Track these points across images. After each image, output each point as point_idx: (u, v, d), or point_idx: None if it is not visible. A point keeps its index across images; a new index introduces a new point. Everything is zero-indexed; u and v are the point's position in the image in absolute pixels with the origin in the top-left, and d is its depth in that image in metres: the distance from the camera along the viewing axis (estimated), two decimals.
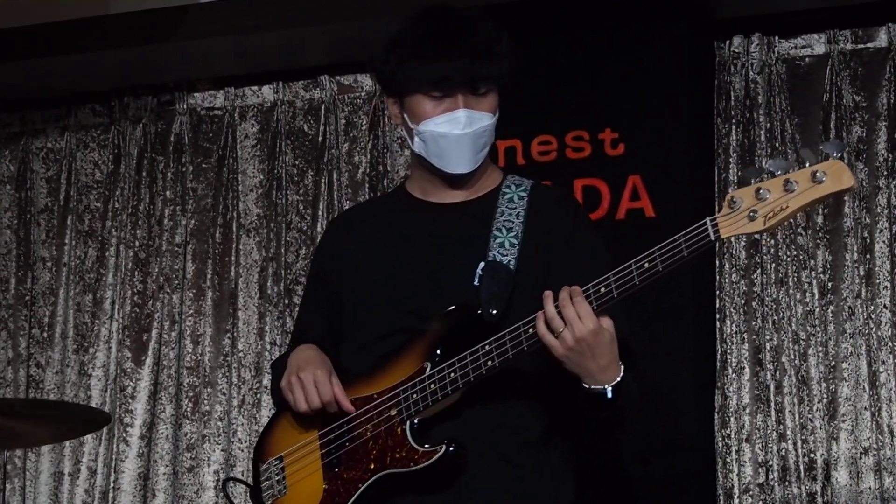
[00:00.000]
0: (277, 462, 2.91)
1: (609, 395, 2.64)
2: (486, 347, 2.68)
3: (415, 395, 2.74)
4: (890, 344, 4.34)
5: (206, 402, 5.07)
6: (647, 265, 2.56)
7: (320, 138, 5.12)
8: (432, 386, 2.72)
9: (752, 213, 2.47)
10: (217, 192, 5.22)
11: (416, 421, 2.74)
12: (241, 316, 5.10)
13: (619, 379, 2.65)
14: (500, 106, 2.92)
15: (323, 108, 5.12)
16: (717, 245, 4.50)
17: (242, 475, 4.96)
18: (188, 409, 5.08)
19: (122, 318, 5.23)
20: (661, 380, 4.24)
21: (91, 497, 5.16)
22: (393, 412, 2.75)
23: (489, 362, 2.68)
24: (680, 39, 4.51)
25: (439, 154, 2.85)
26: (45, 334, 5.35)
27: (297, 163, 5.15)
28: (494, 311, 2.74)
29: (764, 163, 2.49)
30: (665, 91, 4.45)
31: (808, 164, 2.44)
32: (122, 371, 5.18)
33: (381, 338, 2.85)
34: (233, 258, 5.15)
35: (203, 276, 5.18)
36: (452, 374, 2.71)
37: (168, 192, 5.27)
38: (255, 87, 5.24)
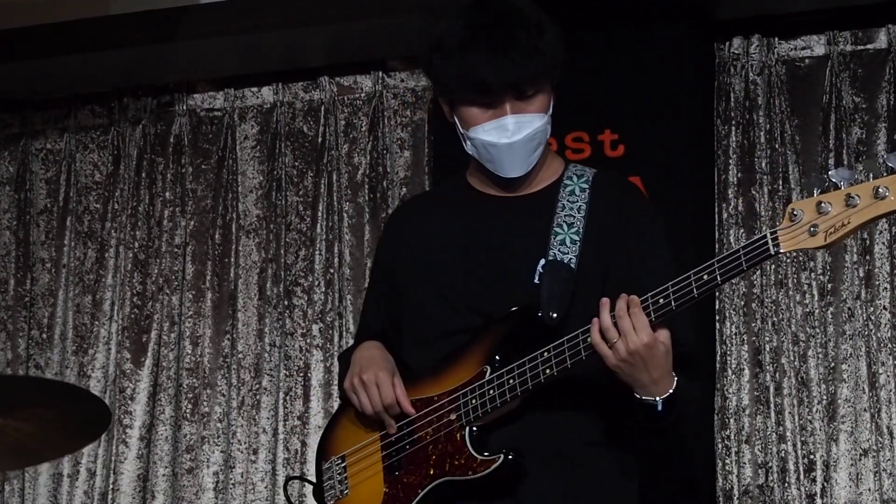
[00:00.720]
0: (340, 461, 2.91)
1: (660, 408, 2.63)
2: (545, 354, 2.66)
3: (474, 401, 2.71)
4: (889, 345, 4.33)
5: (205, 403, 5.07)
6: (706, 277, 2.53)
7: (320, 139, 5.11)
8: (491, 392, 2.70)
9: (812, 228, 2.41)
10: (216, 193, 5.21)
11: (475, 427, 2.72)
12: (241, 317, 5.09)
13: (670, 392, 2.63)
14: None
15: (322, 109, 5.11)
16: (717, 247, 4.50)
17: (242, 477, 4.96)
18: (187, 411, 5.07)
19: (122, 320, 5.22)
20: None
21: (90, 499, 5.15)
22: (452, 416, 2.74)
23: (547, 370, 2.65)
24: (680, 40, 4.50)
25: (491, 160, 2.82)
26: (44, 336, 5.34)
27: (296, 164, 5.14)
28: (555, 315, 2.71)
29: (829, 172, 2.44)
30: (665, 92, 4.44)
31: (871, 177, 2.39)
32: (121, 372, 5.17)
33: (441, 336, 2.83)
34: (232, 259, 5.14)
35: (202, 278, 5.17)
36: (511, 381, 2.68)
37: (167, 194, 5.26)
38: (254, 89, 5.24)
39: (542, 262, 2.76)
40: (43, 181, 5.46)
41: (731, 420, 4.41)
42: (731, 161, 4.57)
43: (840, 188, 2.40)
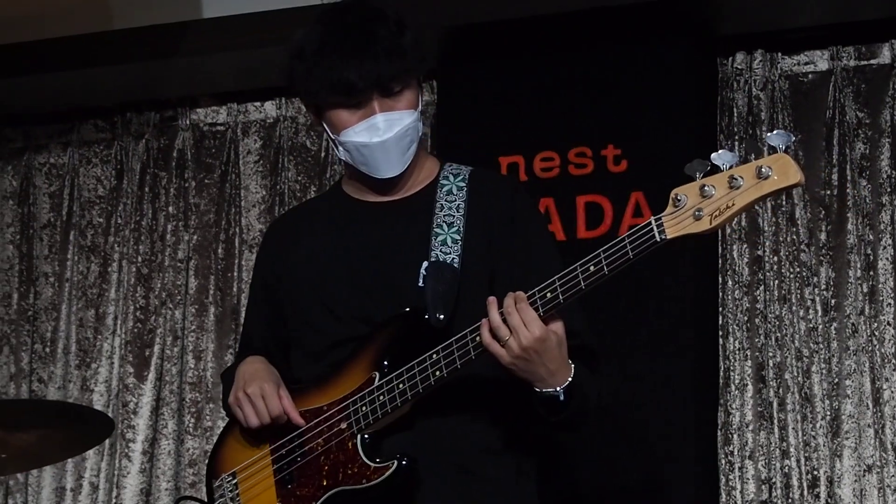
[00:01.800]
0: (231, 478, 2.88)
1: (562, 397, 2.60)
2: (434, 357, 2.63)
3: (364, 408, 2.68)
4: (894, 361, 4.32)
5: (208, 417, 5.07)
6: (592, 268, 2.49)
7: (322, 154, 5.12)
8: (381, 398, 2.66)
9: (697, 212, 2.36)
10: (219, 207, 5.21)
11: (366, 435, 2.69)
12: None
13: (570, 380, 2.60)
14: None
15: None
16: (720, 262, 4.50)
17: None
18: (190, 425, 5.07)
19: (125, 334, 5.22)
20: (663, 396, 4.24)
21: None
22: (343, 425, 2.70)
23: (437, 373, 2.62)
24: (683, 56, 4.51)
25: (365, 162, 2.79)
26: (47, 350, 5.34)
27: (299, 178, 5.14)
28: (441, 316, 2.69)
29: (711, 156, 2.39)
30: (668, 107, 4.45)
31: (752, 158, 2.36)
32: (124, 386, 5.17)
33: (330, 346, 2.79)
34: (235, 274, 5.15)
35: (205, 292, 5.18)
36: (401, 385, 2.65)
37: (170, 208, 5.27)
38: (257, 103, 5.24)
39: (425, 264, 2.73)
40: (46, 195, 5.46)
41: (735, 436, 4.40)
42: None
43: (722, 171, 2.36)
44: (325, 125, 2.83)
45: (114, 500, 5.10)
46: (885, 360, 4.32)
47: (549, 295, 2.53)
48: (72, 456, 4.74)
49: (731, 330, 4.47)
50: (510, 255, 2.76)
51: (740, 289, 4.49)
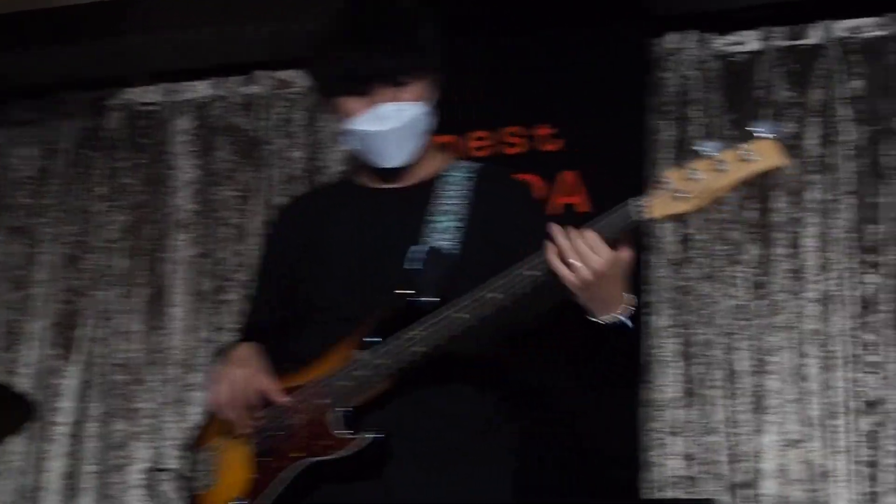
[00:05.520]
0: (210, 452, 2.90)
1: (630, 324, 2.54)
2: (412, 334, 2.63)
3: (343, 382, 2.70)
4: (817, 338, 4.34)
5: (136, 399, 5.02)
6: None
7: (256, 134, 5.10)
8: (359, 373, 2.69)
9: (682, 194, 2.45)
10: (151, 188, 5.18)
11: (341, 409, 2.71)
12: (173, 312, 5.06)
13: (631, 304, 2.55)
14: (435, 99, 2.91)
15: (259, 103, 5.10)
16: (648, 240, 4.51)
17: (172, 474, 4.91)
18: (118, 407, 5.02)
19: (52, 316, 5.17)
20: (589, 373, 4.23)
21: (18, 496, 5.08)
22: (322, 400, 2.73)
23: (415, 348, 2.63)
24: (616, 36, 4.53)
25: (370, 151, 2.83)
26: None
27: (232, 158, 5.12)
28: (431, 298, 2.69)
29: (697, 145, 2.46)
30: (601, 87, 4.47)
31: (739, 144, 2.43)
32: (50, 369, 5.12)
33: (324, 326, 2.82)
34: (166, 254, 5.11)
35: (135, 273, 5.14)
36: (378, 361, 2.67)
37: (102, 189, 5.23)
38: (190, 83, 5.22)
39: (424, 248, 2.75)
40: None
41: (661, 412, 4.41)
42: (666, 155, 4.58)
43: (711, 158, 2.43)
44: (335, 113, 2.86)
45: (38, 484, 5.04)
46: (809, 337, 4.34)
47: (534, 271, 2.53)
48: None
49: (658, 307, 4.48)
50: (513, 246, 2.72)
51: (668, 266, 4.50)
